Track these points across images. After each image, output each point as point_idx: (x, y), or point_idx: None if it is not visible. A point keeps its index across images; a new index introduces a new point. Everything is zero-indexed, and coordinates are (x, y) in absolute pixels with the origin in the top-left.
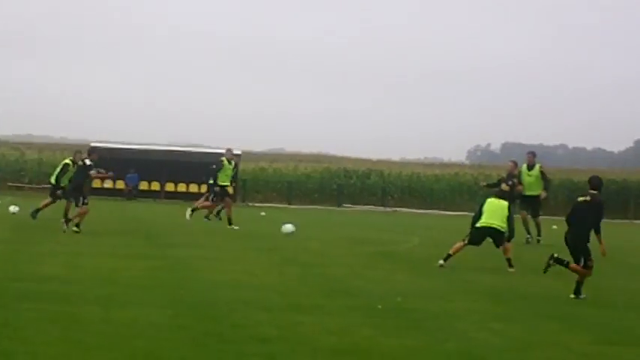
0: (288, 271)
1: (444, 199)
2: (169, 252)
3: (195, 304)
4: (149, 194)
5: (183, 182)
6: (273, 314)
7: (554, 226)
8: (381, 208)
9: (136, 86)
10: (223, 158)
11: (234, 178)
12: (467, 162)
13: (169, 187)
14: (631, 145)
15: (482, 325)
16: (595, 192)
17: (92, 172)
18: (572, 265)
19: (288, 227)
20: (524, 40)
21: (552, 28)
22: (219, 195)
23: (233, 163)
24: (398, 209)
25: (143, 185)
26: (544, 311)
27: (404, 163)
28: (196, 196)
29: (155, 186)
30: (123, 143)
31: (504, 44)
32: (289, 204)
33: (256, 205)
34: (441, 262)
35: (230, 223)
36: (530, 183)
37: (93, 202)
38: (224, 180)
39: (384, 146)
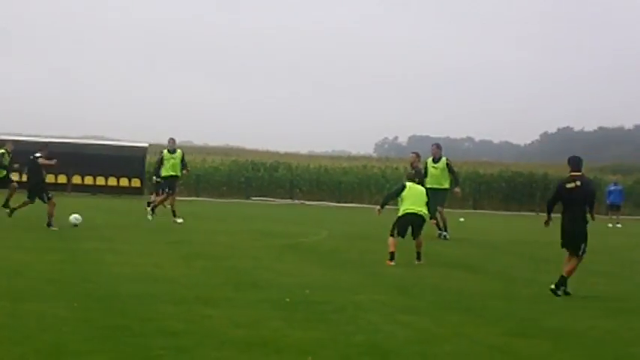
0: (196, 264)
1: (352, 191)
2: (76, 245)
3: (103, 297)
4: (56, 187)
5: (90, 175)
6: (180, 307)
7: (462, 219)
8: (289, 201)
9: (40, 75)
10: (164, 150)
11: (183, 167)
12: (374, 155)
13: (76, 179)
14: (537, 138)
15: (390, 317)
16: (580, 173)
17: (40, 160)
18: (567, 271)
19: (75, 218)
20: (431, 35)
21: (459, 25)
22: (169, 185)
23: (178, 152)
24: (306, 202)
25: (50, 178)
26: (452, 304)
27: (312, 156)
28: (104, 189)
29: (62, 179)
30: (29, 136)
31: (412, 39)
32: (197, 197)
33: None
34: (392, 263)
35: (152, 210)
36: (437, 176)
37: None
38: (170, 170)
39: (291, 139)
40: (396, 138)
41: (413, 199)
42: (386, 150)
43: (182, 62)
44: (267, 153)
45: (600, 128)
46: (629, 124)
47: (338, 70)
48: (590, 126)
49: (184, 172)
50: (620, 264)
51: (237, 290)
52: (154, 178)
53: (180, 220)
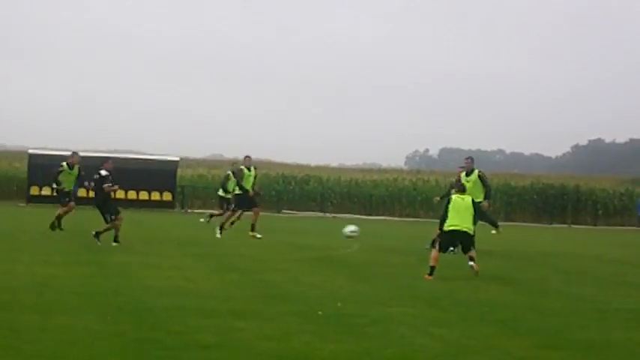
0: (227, 277)
1: (383, 204)
2: (106, 258)
3: (134, 310)
4: (89, 201)
5: (122, 188)
6: (212, 320)
7: (493, 231)
8: (320, 214)
9: (64, 90)
10: (242, 167)
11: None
12: (405, 167)
13: None
14: (568, 150)
15: (422, 330)
16: None
17: (106, 186)
18: None
19: (350, 230)
20: (461, 48)
21: (490, 38)
22: (241, 202)
23: (253, 170)
24: (337, 215)
25: (81, 192)
26: (484, 316)
27: (342, 169)
28: (135, 203)
29: (93, 193)
30: (61, 150)
31: (442, 53)
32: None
33: (195, 211)
34: (430, 277)
35: (253, 229)
36: (469, 189)
37: (31, 209)
38: (247, 187)
39: (322, 152)
40: (427, 150)
41: (456, 213)
42: (417, 162)
43: (208, 75)
44: (298, 166)
45: (632, 140)
46: None
47: (367, 82)
48: (622, 138)
49: (255, 189)
50: None
51: (268, 303)
52: (222, 192)
53: (219, 236)
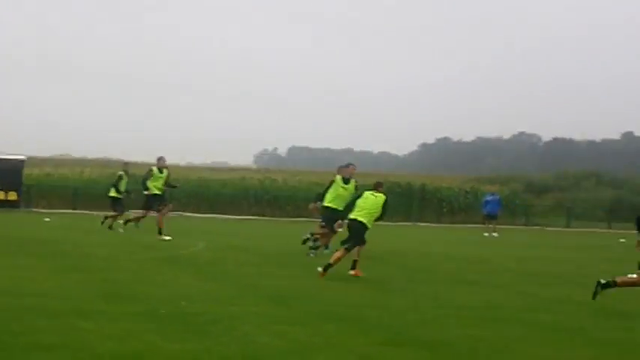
0: (71, 276)
1: (231, 203)
2: None
3: None
4: None
5: None
6: (54, 321)
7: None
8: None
9: None
10: (153, 167)
11: (168, 186)
12: (254, 166)
13: None
14: (415, 148)
15: (266, 328)
16: None
17: None
18: (621, 280)
19: None
20: (306, 41)
21: (335, 31)
22: (151, 203)
23: (165, 171)
24: (184, 213)
25: None
26: (328, 314)
27: (190, 168)
28: None
29: None
30: None
31: (286, 50)
32: (74, 209)
33: (41, 210)
34: (323, 273)
35: (160, 233)
36: (344, 197)
37: None
38: (156, 190)
39: (169, 150)
40: (275, 149)
41: (362, 208)
42: (265, 161)
43: (49, 72)
44: (145, 164)
45: (479, 138)
46: (507, 134)
47: (215, 80)
48: (469, 136)
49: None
50: (493, 273)
51: (112, 303)
52: (115, 192)
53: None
